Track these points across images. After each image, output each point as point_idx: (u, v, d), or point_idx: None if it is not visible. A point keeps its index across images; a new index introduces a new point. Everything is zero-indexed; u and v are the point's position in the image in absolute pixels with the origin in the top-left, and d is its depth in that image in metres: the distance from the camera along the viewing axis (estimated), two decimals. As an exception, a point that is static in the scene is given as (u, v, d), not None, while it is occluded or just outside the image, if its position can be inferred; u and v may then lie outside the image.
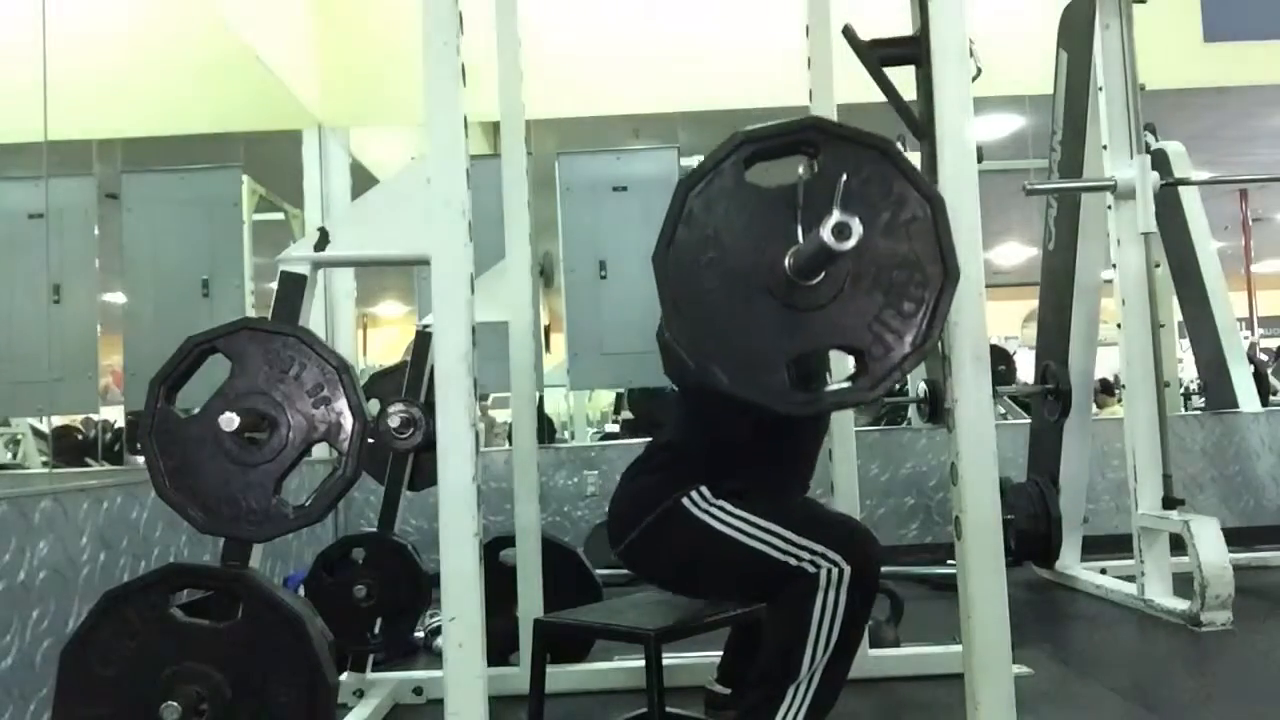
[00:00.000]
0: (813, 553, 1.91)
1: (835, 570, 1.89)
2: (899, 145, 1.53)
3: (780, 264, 1.45)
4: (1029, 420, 4.56)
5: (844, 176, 1.43)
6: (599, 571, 3.17)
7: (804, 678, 1.91)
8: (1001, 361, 5.59)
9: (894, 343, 1.48)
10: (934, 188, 1.54)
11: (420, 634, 3.30)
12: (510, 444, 2.97)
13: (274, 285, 1.95)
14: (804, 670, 1.90)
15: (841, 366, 2.33)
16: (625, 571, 4.31)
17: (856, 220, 1.32)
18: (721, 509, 2.00)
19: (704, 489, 2.02)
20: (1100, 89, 3.74)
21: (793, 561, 1.91)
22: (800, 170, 1.51)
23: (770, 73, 4.56)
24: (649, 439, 2.38)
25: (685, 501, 2.02)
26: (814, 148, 1.50)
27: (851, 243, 1.32)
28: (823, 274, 1.45)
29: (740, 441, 2.07)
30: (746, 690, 2.03)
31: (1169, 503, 3.53)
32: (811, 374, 1.84)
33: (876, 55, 1.71)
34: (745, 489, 2.04)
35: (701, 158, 1.50)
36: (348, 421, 1.72)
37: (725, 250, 1.47)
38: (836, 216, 1.31)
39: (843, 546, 1.92)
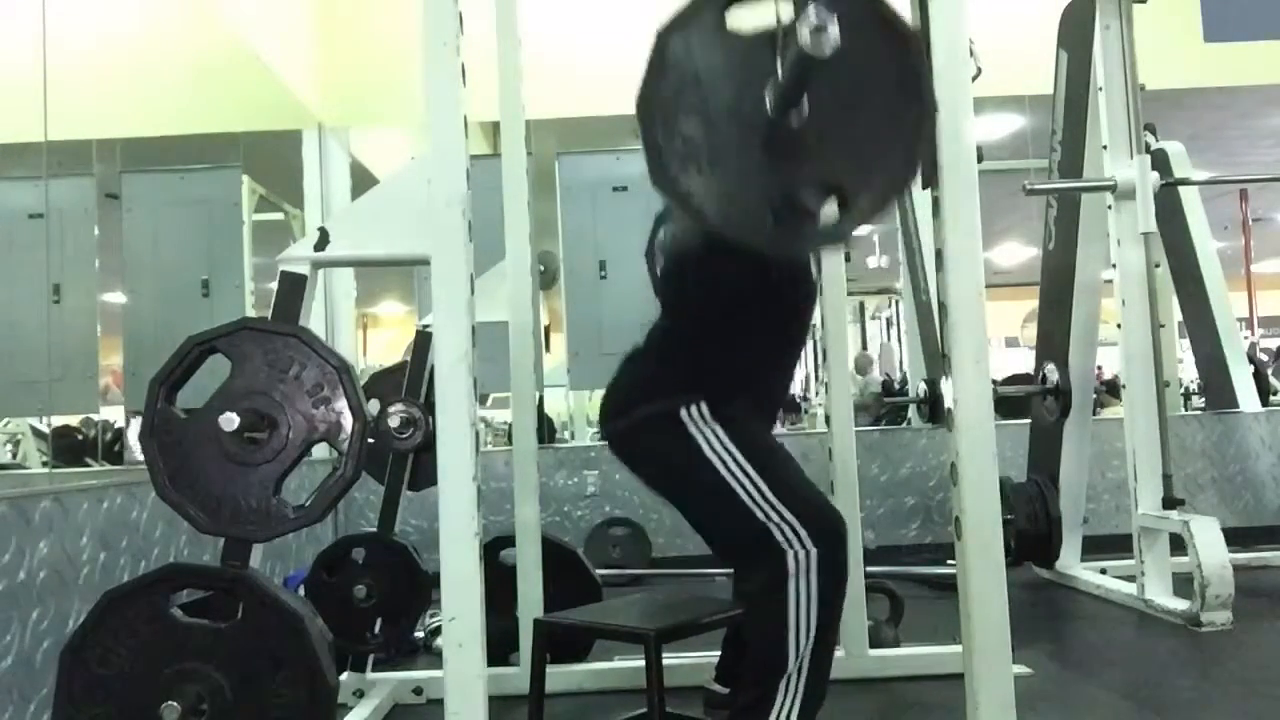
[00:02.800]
0: (781, 518, 1.92)
1: (802, 553, 1.90)
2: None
3: (762, 105, 1.46)
4: (1029, 420, 4.56)
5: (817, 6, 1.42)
6: (599, 571, 3.17)
7: (792, 670, 1.91)
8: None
9: (876, 178, 1.49)
10: (911, 28, 1.54)
11: (420, 634, 3.30)
12: (510, 444, 2.97)
13: (274, 285, 1.95)
14: (791, 662, 1.90)
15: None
16: (625, 571, 4.32)
17: (833, 22, 1.30)
18: (714, 434, 2.01)
19: (703, 405, 2.02)
20: (1100, 89, 3.74)
21: (759, 515, 1.93)
22: (778, 13, 1.50)
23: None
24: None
25: (683, 413, 2.02)
26: None
27: (828, 46, 1.30)
28: (804, 110, 1.45)
29: (724, 332, 2.08)
30: (739, 691, 2.03)
31: (1169, 503, 3.53)
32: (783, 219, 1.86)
33: (876, 55, 1.70)
34: (737, 414, 2.04)
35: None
36: (348, 421, 1.72)
37: (706, 94, 1.47)
38: (813, 17, 1.29)
39: (811, 525, 1.92)
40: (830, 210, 1.53)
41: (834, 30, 1.30)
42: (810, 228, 1.56)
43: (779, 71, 1.45)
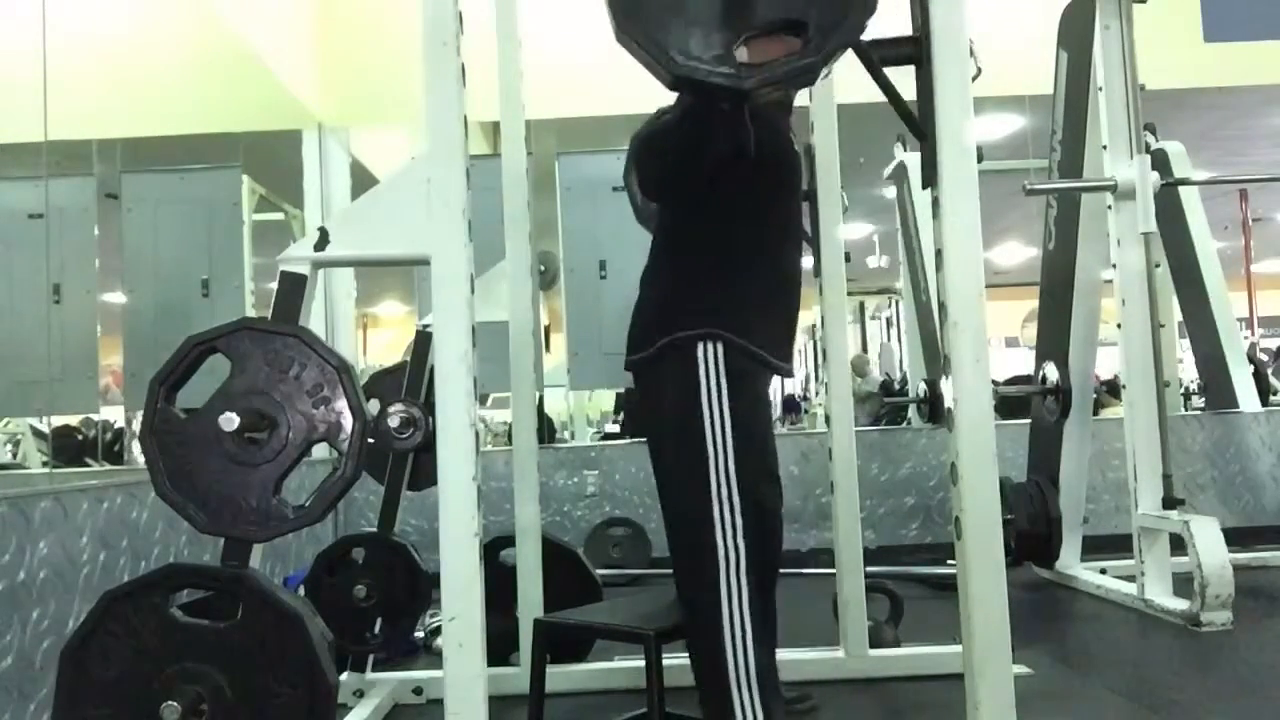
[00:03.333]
0: (730, 509, 1.92)
1: (733, 553, 1.90)
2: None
3: None
4: (1029, 420, 4.56)
5: None
6: (599, 571, 3.17)
7: (740, 672, 1.89)
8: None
9: (835, 6, 1.50)
10: None
11: (420, 634, 3.30)
12: (510, 444, 2.97)
13: (274, 285, 1.95)
14: (734, 666, 1.89)
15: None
16: (625, 571, 4.31)
17: None
18: (719, 389, 1.99)
19: (720, 346, 2.00)
20: (1100, 89, 3.74)
21: (714, 509, 1.92)
22: None
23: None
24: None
25: (699, 348, 2.01)
26: None
27: None
28: None
29: (719, 227, 2.07)
30: (701, 705, 2.01)
31: (1169, 503, 3.53)
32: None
33: (876, 55, 1.70)
34: (751, 372, 2.04)
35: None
36: (348, 421, 1.72)
37: None
38: None
39: (750, 518, 1.93)
40: (794, 45, 1.54)
41: None
42: (772, 63, 1.55)
43: None
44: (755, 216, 2.11)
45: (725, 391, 2.00)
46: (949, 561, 4.01)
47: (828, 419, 2.90)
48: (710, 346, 2.01)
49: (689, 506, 1.99)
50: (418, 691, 2.79)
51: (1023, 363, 7.11)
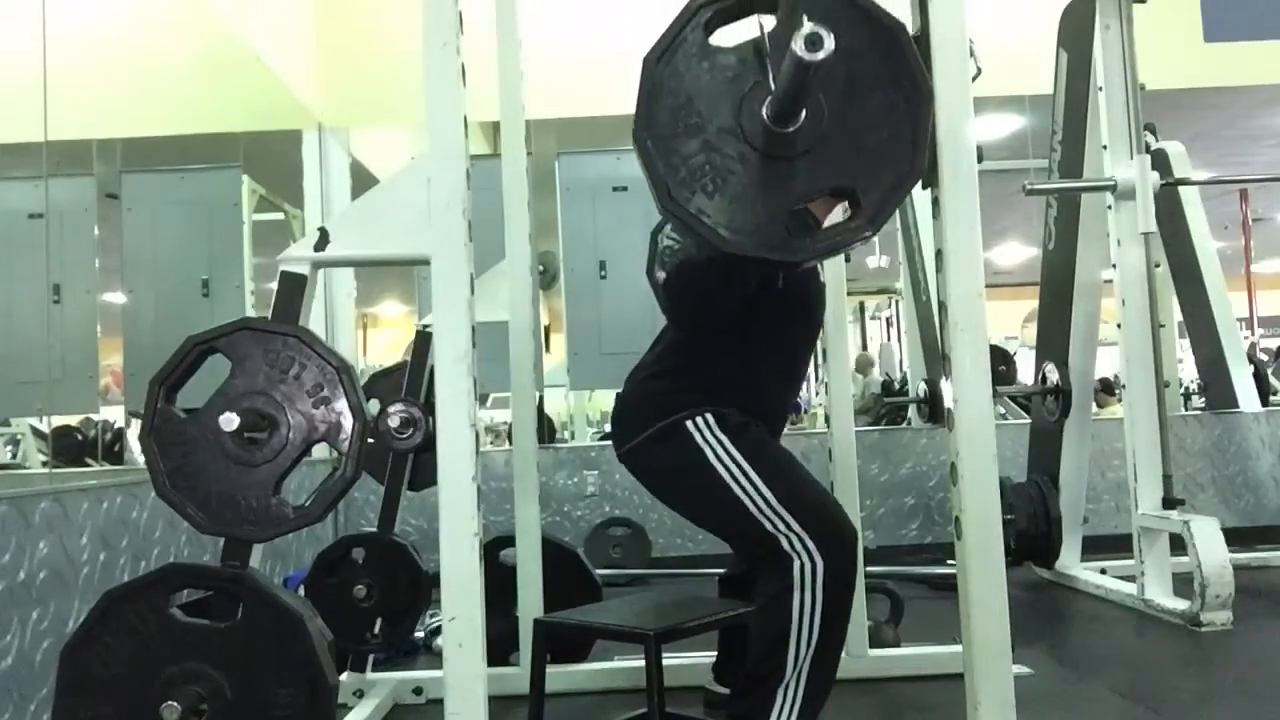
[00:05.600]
0: (788, 527, 1.92)
1: (809, 565, 1.90)
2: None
3: (758, 116, 1.46)
4: (1029, 420, 4.56)
5: (804, 13, 1.41)
6: (599, 571, 3.17)
7: (790, 678, 1.91)
8: (1002, 362, 5.60)
9: (883, 174, 1.48)
10: (895, 17, 1.54)
11: (420, 634, 3.30)
12: (510, 444, 2.96)
13: (274, 285, 1.95)
14: (789, 671, 1.90)
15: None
16: (625, 571, 4.32)
17: (827, 31, 1.30)
18: (720, 443, 2.02)
19: (709, 416, 2.04)
20: (1100, 89, 3.74)
21: (767, 526, 1.94)
22: (761, 23, 1.51)
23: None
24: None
25: (689, 425, 2.04)
26: (771, 1, 1.50)
27: (824, 52, 1.30)
28: (802, 116, 1.45)
29: (732, 346, 2.08)
30: (737, 695, 2.03)
31: (1169, 503, 3.53)
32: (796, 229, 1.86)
33: (877, 55, 1.70)
34: (744, 424, 2.05)
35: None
36: (348, 421, 1.72)
37: (702, 115, 1.47)
38: (808, 27, 1.30)
39: (817, 532, 1.93)
40: (842, 213, 1.53)
41: (829, 40, 1.30)
42: (826, 233, 1.56)
43: (772, 81, 1.45)
44: (766, 340, 2.15)
45: (729, 443, 2.03)
46: (949, 561, 4.01)
47: (827, 419, 2.90)
48: (700, 418, 2.05)
49: (749, 542, 2.02)
50: (418, 691, 2.79)
51: (1023, 363, 7.11)
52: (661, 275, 2.25)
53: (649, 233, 2.42)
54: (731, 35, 1.52)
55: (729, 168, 1.47)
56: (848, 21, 1.48)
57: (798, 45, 1.30)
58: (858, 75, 1.49)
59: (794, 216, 1.52)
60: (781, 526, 1.93)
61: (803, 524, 1.93)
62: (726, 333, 2.10)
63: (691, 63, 1.48)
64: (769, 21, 1.49)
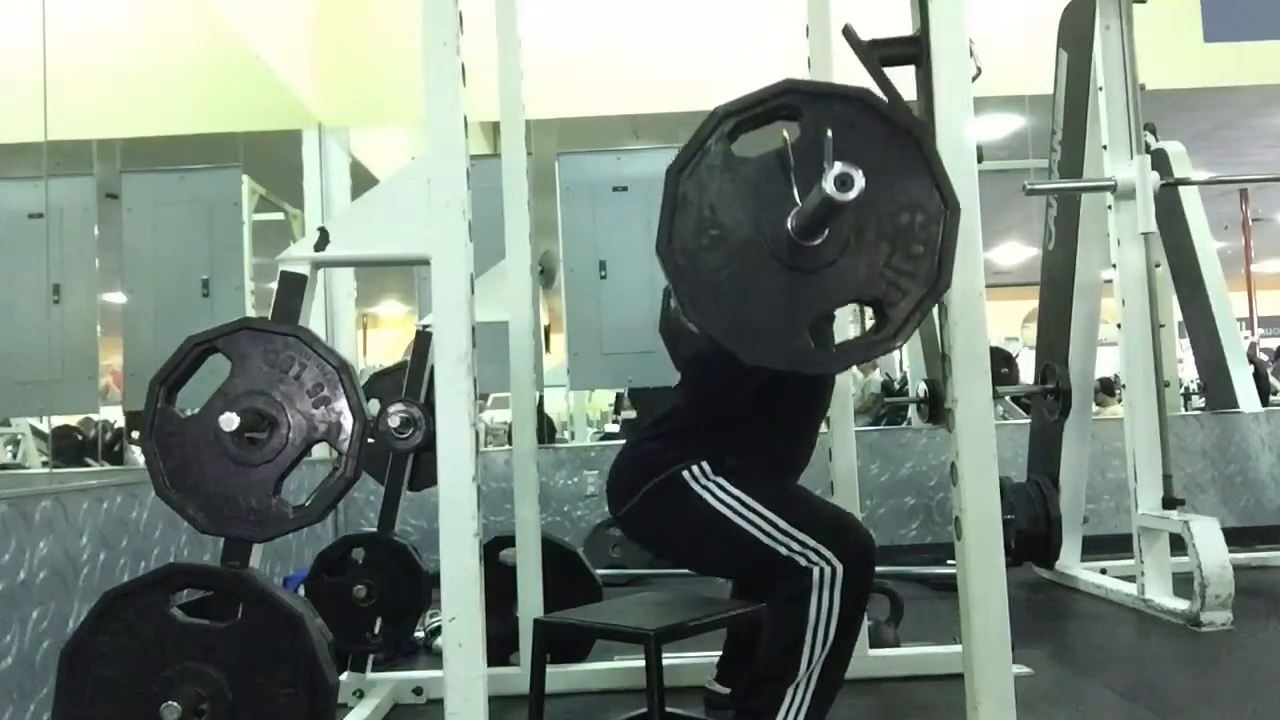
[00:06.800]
0: (803, 545, 1.92)
1: (828, 569, 1.90)
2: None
3: (783, 229, 1.45)
4: (1029, 420, 4.56)
5: (829, 132, 1.42)
6: (599, 571, 3.17)
7: (802, 677, 1.92)
8: (1004, 364, 5.59)
9: (909, 286, 1.47)
10: (917, 120, 1.53)
11: (420, 634, 3.30)
12: (510, 444, 2.97)
13: (274, 285, 1.95)
14: (802, 670, 1.91)
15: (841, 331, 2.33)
16: (625, 571, 4.31)
17: (858, 171, 1.30)
18: (719, 485, 2.01)
19: (704, 464, 2.03)
20: (1100, 89, 3.74)
21: (782, 550, 1.93)
22: (785, 134, 1.50)
23: (770, 73, 4.56)
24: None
25: (685, 475, 2.03)
26: (794, 109, 1.50)
27: (854, 192, 1.30)
28: (826, 231, 1.44)
29: (742, 416, 2.07)
30: (746, 692, 2.04)
31: (1169, 503, 3.53)
32: (823, 338, 1.85)
33: (876, 55, 1.70)
34: (744, 467, 2.04)
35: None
36: (348, 421, 1.72)
37: (725, 227, 1.47)
38: (838, 168, 1.30)
39: (834, 543, 1.93)
40: (867, 325, 1.53)
41: (859, 179, 1.30)
42: (851, 345, 1.55)
43: (796, 192, 1.44)
44: (778, 413, 2.14)
45: (727, 483, 2.03)
46: (949, 561, 4.01)
47: (828, 419, 2.90)
48: (695, 467, 2.05)
49: (763, 570, 1.99)
50: (418, 691, 2.79)
51: (1023, 363, 7.11)
52: (679, 343, 2.24)
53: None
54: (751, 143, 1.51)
55: (753, 279, 1.46)
56: (873, 134, 1.48)
57: (828, 185, 1.30)
58: (883, 188, 1.47)
59: (820, 326, 1.52)
60: (796, 547, 1.93)
61: (818, 539, 1.93)
62: (741, 409, 2.09)
63: (715, 173, 1.48)
64: (793, 129, 1.49)
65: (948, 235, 1.47)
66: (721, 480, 2.02)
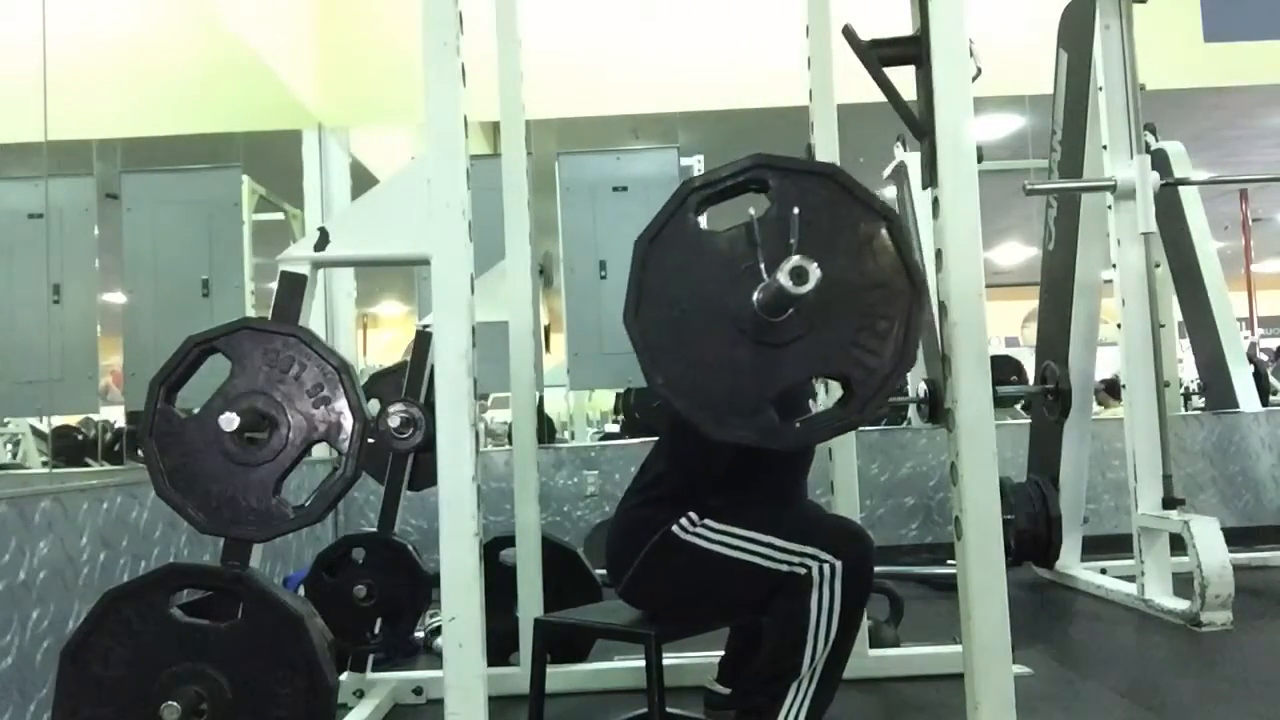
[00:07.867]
0: (801, 554, 1.93)
1: (826, 567, 1.91)
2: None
3: (748, 303, 1.46)
4: (1029, 420, 4.56)
5: (796, 210, 1.43)
6: (599, 571, 3.17)
7: (804, 675, 1.92)
8: (1014, 373, 5.57)
9: (875, 363, 1.49)
10: (888, 206, 1.55)
11: (420, 634, 3.30)
12: (510, 444, 2.97)
13: (274, 285, 1.95)
14: (804, 667, 1.91)
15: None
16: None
17: (814, 264, 1.33)
18: (707, 527, 2.02)
19: (691, 515, 2.04)
20: (1100, 89, 3.74)
21: (784, 568, 1.93)
22: (751, 210, 1.51)
23: (770, 73, 4.57)
24: (649, 436, 2.39)
25: (675, 529, 2.04)
26: (763, 184, 1.51)
27: (809, 285, 1.33)
28: (791, 310, 1.46)
29: (725, 480, 2.08)
30: (748, 689, 2.04)
31: (1169, 503, 3.53)
32: (796, 403, 1.85)
33: (876, 55, 1.70)
34: (729, 505, 2.05)
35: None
36: (348, 421, 1.72)
37: (693, 299, 1.48)
38: (794, 261, 1.33)
39: (831, 543, 1.93)
40: (831, 399, 1.53)
41: (814, 272, 1.32)
42: (817, 420, 1.56)
43: (762, 267, 1.45)
44: (758, 472, 2.13)
45: (714, 523, 2.02)
46: (949, 561, 4.01)
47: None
48: (684, 520, 2.05)
49: (764, 589, 1.98)
50: (418, 691, 2.79)
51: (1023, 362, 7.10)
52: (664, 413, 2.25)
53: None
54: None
55: (718, 354, 1.47)
56: (843, 212, 1.49)
57: (783, 277, 1.32)
58: (851, 265, 1.49)
59: (786, 400, 1.53)
60: (795, 559, 1.93)
61: (814, 544, 1.94)
62: (720, 475, 2.09)
63: (682, 245, 1.49)
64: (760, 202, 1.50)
65: (913, 316, 1.49)
66: (709, 522, 2.03)
